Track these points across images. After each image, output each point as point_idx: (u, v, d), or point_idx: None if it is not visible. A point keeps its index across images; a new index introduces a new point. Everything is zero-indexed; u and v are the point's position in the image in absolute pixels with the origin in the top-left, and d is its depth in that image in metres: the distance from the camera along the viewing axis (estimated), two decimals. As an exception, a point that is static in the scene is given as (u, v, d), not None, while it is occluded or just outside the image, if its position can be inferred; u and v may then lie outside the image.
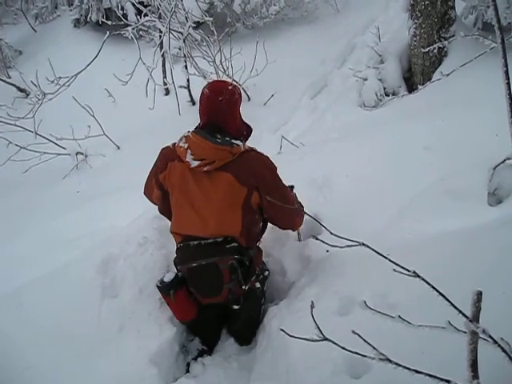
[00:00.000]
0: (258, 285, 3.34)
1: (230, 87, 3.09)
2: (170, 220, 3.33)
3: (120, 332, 3.22)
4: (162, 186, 3.22)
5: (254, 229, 3.22)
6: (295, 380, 2.53)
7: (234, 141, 3.00)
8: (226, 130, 3.04)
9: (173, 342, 3.29)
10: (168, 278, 3.20)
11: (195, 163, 2.97)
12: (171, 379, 3.20)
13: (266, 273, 3.48)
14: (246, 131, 3.25)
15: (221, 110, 3.03)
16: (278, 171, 3.13)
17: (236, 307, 3.24)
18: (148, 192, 3.47)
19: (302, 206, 3.44)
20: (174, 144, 3.14)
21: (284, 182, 3.18)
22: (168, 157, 3.14)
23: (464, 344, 1.32)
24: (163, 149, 3.24)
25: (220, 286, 3.11)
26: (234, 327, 3.59)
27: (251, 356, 3.32)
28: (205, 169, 2.96)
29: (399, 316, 1.40)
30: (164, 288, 3.20)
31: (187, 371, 3.34)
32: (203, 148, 2.96)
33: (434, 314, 1.41)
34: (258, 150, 3.15)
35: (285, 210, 3.05)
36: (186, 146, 3.01)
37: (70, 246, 4.52)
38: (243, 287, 3.13)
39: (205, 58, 7.68)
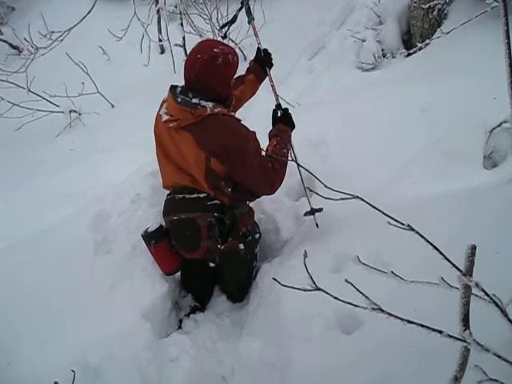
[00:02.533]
0: (241, 246, 3.30)
1: (215, 49, 2.93)
2: None
3: (113, 288, 3.24)
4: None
5: (224, 191, 3.06)
6: (286, 335, 2.56)
7: (202, 102, 2.88)
8: (202, 89, 2.93)
9: (165, 298, 3.31)
10: (152, 228, 3.24)
11: (165, 117, 2.97)
12: (164, 334, 3.24)
13: (257, 235, 3.45)
14: (229, 99, 3.13)
15: (194, 69, 2.92)
16: (252, 143, 2.97)
17: (212, 265, 3.29)
18: None
19: (286, 157, 3.18)
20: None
21: (260, 153, 3.02)
22: (159, 107, 3.12)
23: (457, 302, 1.32)
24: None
25: (197, 241, 3.11)
26: (223, 286, 3.64)
27: (243, 313, 3.36)
28: (170, 125, 2.93)
29: (392, 272, 1.40)
30: (146, 237, 3.25)
31: (179, 327, 3.38)
32: (170, 105, 2.95)
33: (428, 273, 1.41)
34: (243, 122, 3.05)
35: (254, 181, 3.03)
36: (166, 99, 3.03)
37: (62, 203, 4.50)
38: (219, 246, 3.13)
39: (201, 16, 7.54)
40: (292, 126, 3.38)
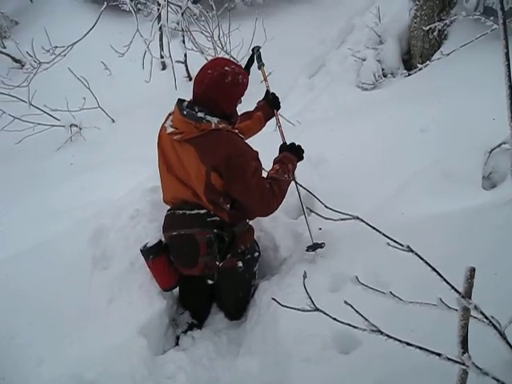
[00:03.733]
0: (240, 264, 3.27)
1: (226, 67, 2.94)
2: None
3: (110, 303, 3.23)
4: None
5: (223, 207, 3.07)
6: (284, 354, 2.55)
7: (207, 117, 2.90)
8: (208, 105, 2.93)
9: (163, 315, 3.30)
10: (151, 243, 3.24)
11: (170, 130, 2.99)
12: (160, 351, 3.22)
13: (256, 254, 3.41)
14: (233, 118, 3.13)
15: (203, 84, 2.93)
16: (252, 162, 2.97)
17: (210, 282, 3.26)
18: None
19: (285, 188, 3.18)
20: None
21: (260, 173, 3.02)
22: (164, 121, 3.14)
23: (455, 323, 1.32)
24: None
25: (196, 258, 3.10)
26: (219, 304, 3.62)
27: (241, 330, 3.34)
28: (175, 137, 2.95)
29: (390, 292, 1.40)
30: (145, 252, 3.25)
31: (176, 344, 3.36)
32: (176, 117, 2.98)
33: (426, 294, 1.41)
34: (245, 141, 3.09)
35: (249, 199, 3.01)
36: (172, 111, 3.06)
37: (61, 217, 4.51)
38: (217, 263, 3.13)
39: (203, 33, 7.60)
40: (300, 157, 3.40)
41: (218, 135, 2.91)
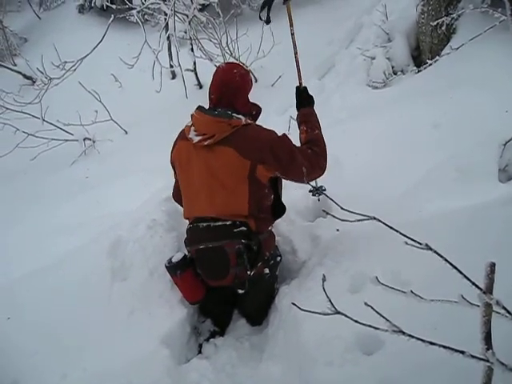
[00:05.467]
0: (266, 270, 3.32)
1: (234, 70, 3.17)
2: (182, 206, 3.37)
3: (131, 315, 3.24)
4: (173, 166, 3.28)
5: (265, 202, 3.20)
6: (306, 359, 2.53)
7: (234, 114, 3.03)
8: (234, 106, 3.09)
9: (184, 324, 3.30)
10: (176, 258, 3.24)
11: (197, 138, 3.01)
12: (183, 360, 3.22)
13: (278, 258, 3.46)
14: (255, 111, 3.29)
15: (233, 82, 3.10)
16: (288, 141, 3.11)
17: (241, 291, 3.26)
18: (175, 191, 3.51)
19: (322, 142, 3.30)
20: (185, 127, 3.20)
21: (296, 146, 3.16)
22: (178, 136, 3.22)
23: (477, 319, 1.30)
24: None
25: (226, 269, 3.13)
26: (243, 310, 3.61)
27: (263, 336, 3.33)
28: (205, 143, 2.98)
29: (411, 291, 1.39)
30: (171, 268, 3.24)
31: (199, 352, 3.35)
32: (203, 122, 3.02)
33: (447, 291, 1.39)
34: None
35: (304, 172, 3.05)
36: (190, 123, 3.10)
37: (78, 231, 4.52)
38: (248, 272, 3.13)
39: (211, 41, 7.61)
40: (312, 103, 3.50)
41: (251, 129, 3.06)
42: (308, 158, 3.14)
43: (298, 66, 3.75)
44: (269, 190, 3.19)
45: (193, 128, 3.07)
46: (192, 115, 3.13)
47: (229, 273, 3.13)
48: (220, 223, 3.08)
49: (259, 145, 2.98)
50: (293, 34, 3.71)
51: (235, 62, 3.04)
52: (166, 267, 3.26)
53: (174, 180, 3.46)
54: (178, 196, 3.44)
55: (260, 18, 3.81)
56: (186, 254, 3.29)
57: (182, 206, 3.41)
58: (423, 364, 2.02)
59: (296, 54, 3.76)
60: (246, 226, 3.11)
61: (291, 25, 3.71)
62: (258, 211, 3.14)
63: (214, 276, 3.24)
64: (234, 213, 3.08)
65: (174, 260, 3.23)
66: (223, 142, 2.97)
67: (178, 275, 3.22)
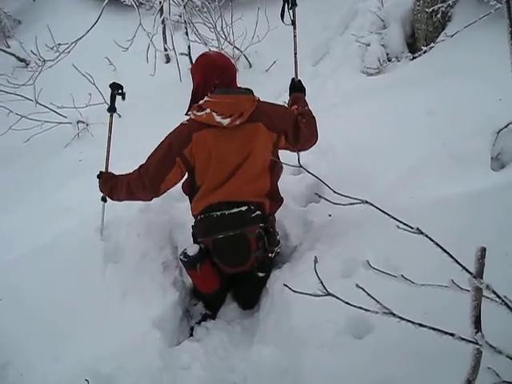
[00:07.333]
0: (278, 250, 3.38)
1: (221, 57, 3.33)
2: (191, 199, 3.31)
3: (124, 297, 3.25)
4: (189, 161, 3.10)
5: (277, 179, 3.32)
6: (297, 341, 2.55)
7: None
8: (234, 87, 3.19)
9: (176, 306, 3.32)
10: (192, 251, 3.23)
11: (226, 121, 2.97)
12: (175, 343, 3.24)
13: (280, 240, 3.50)
14: None
15: (230, 65, 3.21)
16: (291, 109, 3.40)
17: (261, 275, 3.32)
18: (157, 182, 3.21)
19: (313, 115, 3.45)
20: (189, 120, 3.12)
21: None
22: (191, 129, 3.06)
23: (467, 304, 1.31)
24: (176, 128, 3.15)
25: (247, 254, 3.17)
26: (241, 291, 3.61)
27: (254, 319, 3.36)
28: (237, 122, 2.98)
29: (402, 275, 1.40)
30: (190, 262, 3.24)
31: (191, 335, 3.38)
32: (229, 103, 2.99)
33: (438, 276, 1.40)
34: None
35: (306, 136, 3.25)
36: (207, 111, 3.00)
37: (71, 214, 4.51)
38: (270, 254, 3.17)
39: (205, 25, 7.56)
40: (304, 91, 3.68)
41: (265, 104, 3.20)
42: (305, 125, 3.27)
43: (296, 65, 3.93)
44: (281, 167, 3.29)
45: (215, 114, 2.96)
46: (204, 103, 3.02)
47: (250, 258, 3.18)
48: (235, 210, 3.09)
49: (282, 117, 3.15)
50: (295, 36, 3.89)
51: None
52: (184, 261, 3.26)
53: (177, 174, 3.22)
54: (188, 189, 3.35)
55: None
56: (200, 245, 3.28)
57: (191, 199, 3.33)
58: (413, 348, 2.05)
59: (296, 54, 3.93)
60: (260, 209, 3.15)
61: (295, 28, 3.88)
62: (274, 190, 3.26)
63: (235, 263, 3.27)
64: (257, 193, 3.14)
65: (190, 253, 3.23)
66: (251, 118, 3.01)
67: (198, 268, 3.23)
